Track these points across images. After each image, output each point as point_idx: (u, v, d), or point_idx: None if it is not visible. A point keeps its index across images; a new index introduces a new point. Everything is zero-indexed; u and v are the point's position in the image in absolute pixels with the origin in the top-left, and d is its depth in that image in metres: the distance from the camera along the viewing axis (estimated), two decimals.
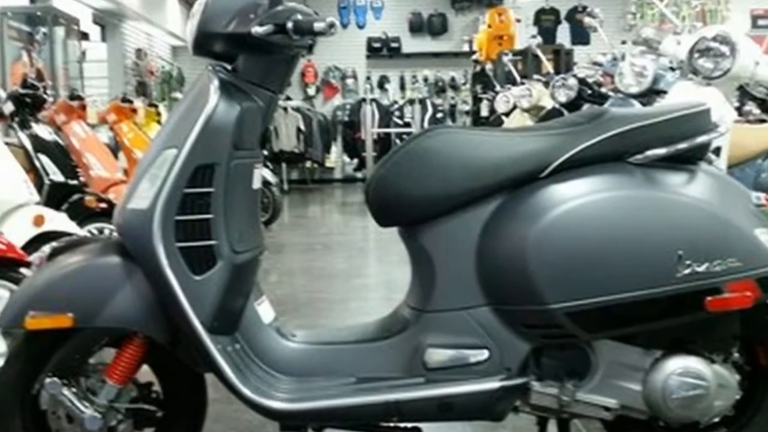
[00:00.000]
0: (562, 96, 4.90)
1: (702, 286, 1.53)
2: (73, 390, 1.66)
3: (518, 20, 10.08)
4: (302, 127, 10.72)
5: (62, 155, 4.39)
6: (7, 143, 3.61)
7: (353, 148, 11.82)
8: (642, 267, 1.52)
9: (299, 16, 1.57)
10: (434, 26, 12.02)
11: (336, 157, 12.09)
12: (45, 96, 4.37)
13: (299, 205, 9.42)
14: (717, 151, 2.50)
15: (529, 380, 1.61)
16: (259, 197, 1.74)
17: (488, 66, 8.80)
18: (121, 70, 9.68)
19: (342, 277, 4.82)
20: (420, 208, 1.64)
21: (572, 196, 1.56)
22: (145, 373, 1.75)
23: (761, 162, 3.41)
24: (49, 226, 3.12)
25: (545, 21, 11.72)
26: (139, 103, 6.50)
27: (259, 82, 1.64)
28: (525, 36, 9.36)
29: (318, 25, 1.55)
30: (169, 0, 10.76)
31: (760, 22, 11.37)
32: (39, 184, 4.06)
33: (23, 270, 2.42)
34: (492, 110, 8.04)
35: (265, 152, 8.70)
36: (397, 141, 10.86)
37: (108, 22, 9.54)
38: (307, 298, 4.21)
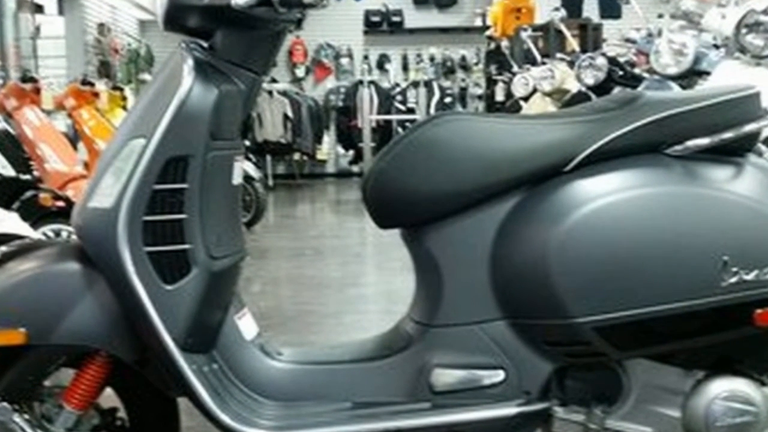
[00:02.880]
0: (590, 78, 4.92)
1: (751, 297, 1.53)
2: (26, 417, 1.66)
3: None
4: (290, 114, 10.72)
5: (13, 146, 4.40)
6: None
7: (348, 137, 11.83)
8: (681, 275, 1.52)
9: None
10: None
11: (328, 149, 12.10)
12: None
13: (286, 204, 9.43)
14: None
15: (552, 405, 1.62)
16: (240, 194, 1.74)
17: (504, 43, 8.81)
18: (81, 48, 9.69)
19: (335, 286, 4.82)
20: (425, 207, 1.64)
21: (601, 194, 1.56)
22: (109, 398, 1.75)
23: None
24: None
25: None
26: (101, 86, 6.51)
27: (240, 61, 1.64)
28: (546, 8, 9.34)
29: None
30: None
31: None
32: None
33: None
34: (508, 94, 8.04)
35: (247, 143, 8.71)
36: (399, 130, 10.88)
37: None
38: (296, 310, 4.21)
